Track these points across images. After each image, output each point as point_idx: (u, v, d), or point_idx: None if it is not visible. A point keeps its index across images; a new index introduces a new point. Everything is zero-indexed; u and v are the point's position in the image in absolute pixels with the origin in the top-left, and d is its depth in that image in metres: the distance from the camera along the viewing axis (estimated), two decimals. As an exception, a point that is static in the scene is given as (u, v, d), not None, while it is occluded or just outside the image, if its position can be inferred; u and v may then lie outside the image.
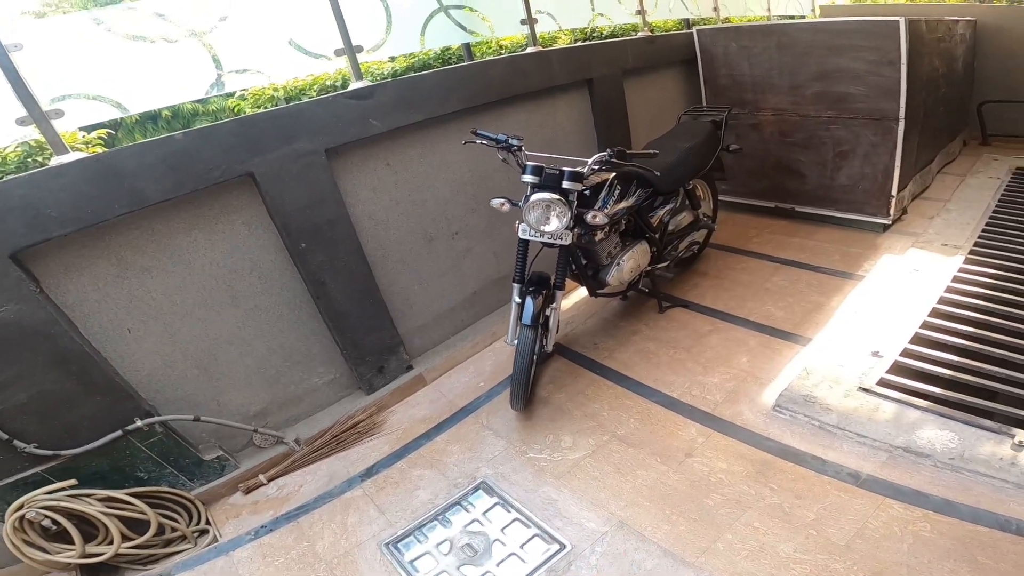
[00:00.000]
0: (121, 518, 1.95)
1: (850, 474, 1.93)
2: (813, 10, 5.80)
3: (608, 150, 2.28)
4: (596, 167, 2.29)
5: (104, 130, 2.64)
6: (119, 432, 2.04)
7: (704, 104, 3.92)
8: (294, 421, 2.64)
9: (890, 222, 3.54)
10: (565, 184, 2.21)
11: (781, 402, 2.31)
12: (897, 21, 2.93)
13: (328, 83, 2.97)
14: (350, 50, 2.41)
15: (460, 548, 1.94)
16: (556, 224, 2.22)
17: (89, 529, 1.90)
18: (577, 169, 2.24)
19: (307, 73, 3.05)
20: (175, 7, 2.05)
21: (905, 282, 3.02)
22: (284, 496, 2.31)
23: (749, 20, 5.17)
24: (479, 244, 3.12)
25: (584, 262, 2.67)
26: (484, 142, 2.36)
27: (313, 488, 2.33)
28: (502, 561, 1.87)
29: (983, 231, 3.44)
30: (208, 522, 2.22)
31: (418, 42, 2.67)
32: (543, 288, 2.38)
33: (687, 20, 4.35)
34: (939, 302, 2.81)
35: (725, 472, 2.05)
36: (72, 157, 1.86)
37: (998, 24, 5.23)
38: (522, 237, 2.32)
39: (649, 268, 2.94)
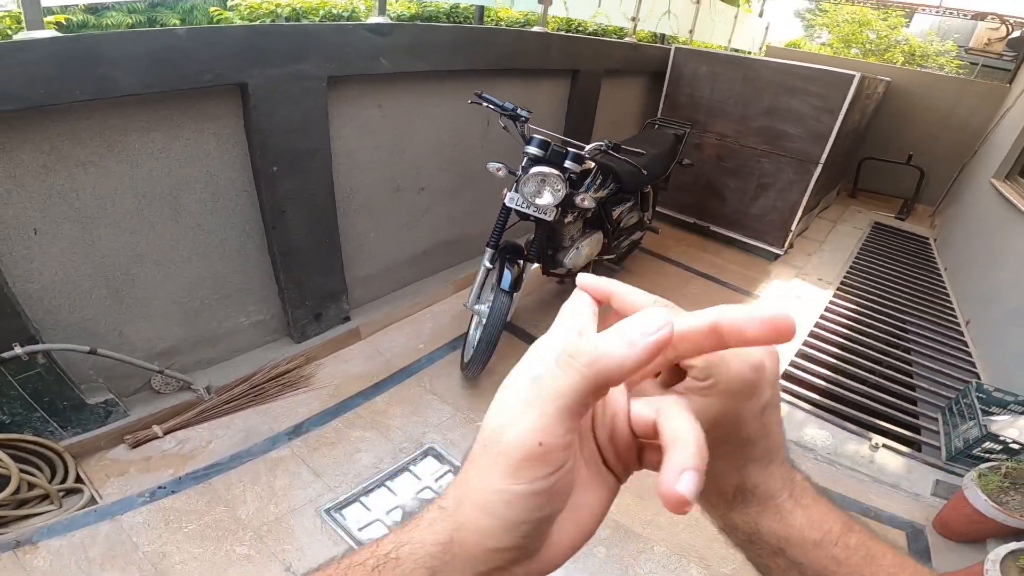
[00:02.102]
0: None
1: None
2: (761, 48, 6.36)
3: (605, 140, 2.35)
4: (594, 153, 2.34)
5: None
6: None
7: (657, 116, 4.13)
8: (206, 365, 2.29)
9: (782, 253, 4.08)
10: (567, 163, 2.22)
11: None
12: (852, 75, 3.34)
13: (335, 11, 2.61)
14: None
15: (411, 516, 1.88)
16: (549, 198, 2.22)
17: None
18: (581, 152, 2.26)
19: None
20: None
21: (790, 306, 3.53)
22: (187, 453, 1.99)
23: (708, 47, 5.52)
24: (440, 204, 2.98)
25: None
26: (490, 106, 2.29)
27: (226, 445, 2.04)
28: (458, 529, 1.85)
29: (848, 272, 4.15)
30: (80, 479, 1.82)
31: None
32: (516, 256, 2.37)
33: (663, 36, 4.51)
34: (815, 326, 3.35)
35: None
36: (45, 34, 1.48)
37: (906, 87, 6.22)
38: (508, 205, 2.30)
39: (597, 258, 3.06)
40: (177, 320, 2.12)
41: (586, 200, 2.39)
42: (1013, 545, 1.66)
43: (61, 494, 1.76)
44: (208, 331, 2.24)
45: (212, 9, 2.70)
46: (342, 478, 1.98)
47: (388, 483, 2.00)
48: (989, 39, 6.91)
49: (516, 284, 2.30)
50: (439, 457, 2.12)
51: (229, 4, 2.52)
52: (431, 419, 2.30)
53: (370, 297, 2.85)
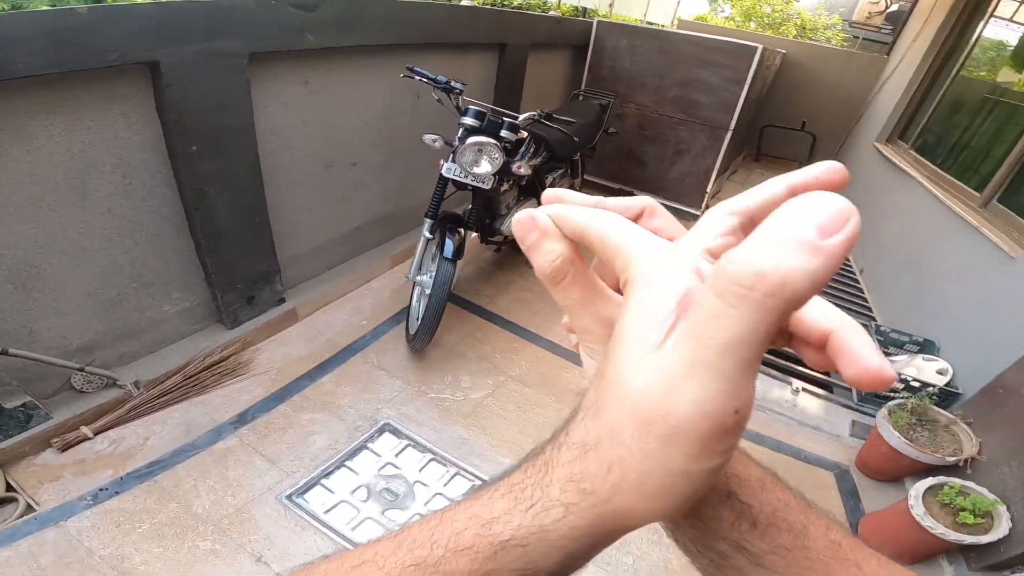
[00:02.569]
0: None
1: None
2: (673, 22, 6.59)
3: (538, 111, 2.42)
4: (527, 123, 2.38)
5: None
6: None
7: (583, 88, 4.23)
8: (130, 359, 2.13)
9: (700, 214, 4.35)
10: (503, 132, 2.25)
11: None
12: (756, 47, 3.58)
13: None
14: None
15: (379, 493, 1.87)
16: (486, 167, 2.25)
17: None
18: (515, 121, 2.29)
19: None
20: None
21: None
22: (124, 452, 1.86)
23: (626, 19, 5.64)
24: (374, 180, 2.91)
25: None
26: (423, 80, 2.28)
27: (166, 440, 1.93)
28: (428, 501, 1.87)
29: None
30: (11, 488, 1.68)
31: None
32: (456, 225, 2.38)
33: (584, 10, 4.56)
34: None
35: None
36: None
37: (798, 59, 6.70)
38: (445, 175, 2.31)
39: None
40: (93, 313, 1.95)
41: (522, 167, 2.44)
42: (930, 480, 1.86)
43: (-9, 505, 1.61)
44: (130, 323, 2.08)
45: None
46: (298, 463, 1.94)
47: (348, 463, 1.98)
48: (870, 13, 7.62)
49: (459, 252, 2.32)
50: (396, 432, 2.13)
51: None
52: (382, 395, 2.28)
53: (305, 277, 2.75)
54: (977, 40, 4.14)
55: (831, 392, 2.73)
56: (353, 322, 2.67)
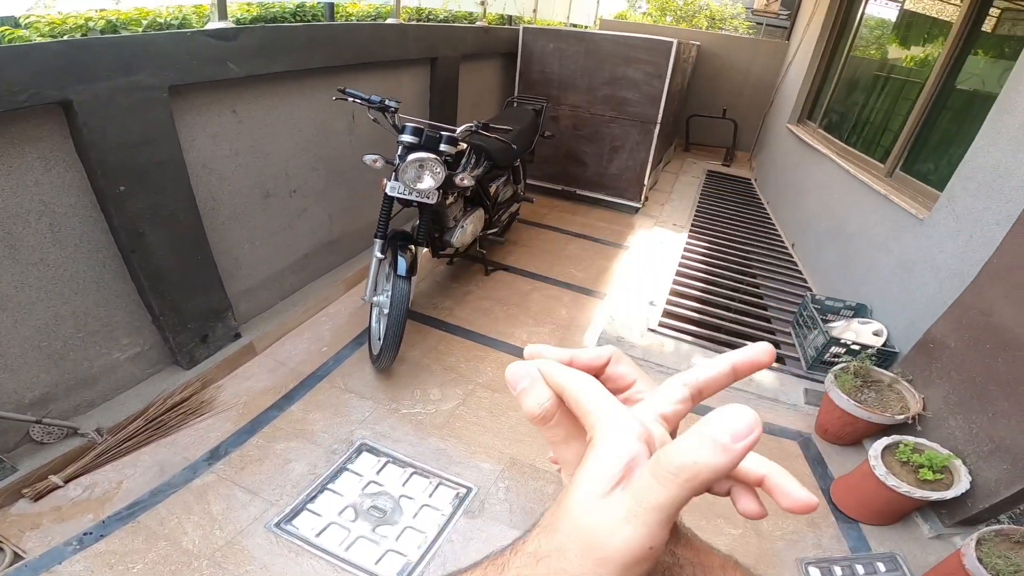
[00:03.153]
0: None
1: (662, 392, 2.60)
2: (595, 22, 6.85)
3: (475, 121, 2.50)
4: (465, 134, 2.46)
5: None
6: None
7: (516, 94, 4.37)
8: (87, 408, 2.07)
9: (640, 206, 4.59)
10: (442, 147, 2.32)
11: (601, 342, 2.89)
12: (671, 42, 3.81)
13: (161, 20, 2.34)
14: None
15: (367, 512, 1.89)
16: (430, 182, 2.31)
17: None
18: (454, 134, 2.37)
19: (175, 5, 2.45)
20: None
21: (656, 251, 4.01)
22: (100, 496, 1.83)
23: (550, 24, 5.82)
24: (315, 205, 2.90)
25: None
26: (357, 101, 2.31)
27: (141, 482, 1.90)
28: (416, 513, 1.90)
29: (695, 216, 4.78)
30: None
31: None
32: (406, 242, 2.43)
33: (510, 17, 4.70)
34: (679, 265, 3.85)
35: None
36: None
37: (713, 50, 7.10)
38: (390, 194, 2.36)
39: (482, 233, 3.22)
40: (41, 366, 1.89)
41: (465, 179, 2.52)
42: (885, 440, 1.98)
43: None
44: (80, 372, 2.01)
45: (2, 28, 2.35)
46: (280, 491, 1.94)
47: (330, 486, 1.99)
48: (768, 0, 8.20)
49: (412, 268, 2.36)
50: (373, 451, 2.16)
51: (24, 22, 2.21)
52: (354, 416, 2.31)
53: (258, 310, 2.72)
54: (861, 21, 4.57)
55: (783, 364, 2.89)
56: (314, 349, 2.67)
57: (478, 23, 4.16)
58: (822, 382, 2.63)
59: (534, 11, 5.14)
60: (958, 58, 3.01)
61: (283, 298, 2.86)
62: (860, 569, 1.81)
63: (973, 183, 2.43)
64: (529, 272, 3.54)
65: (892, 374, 2.35)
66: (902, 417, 2.13)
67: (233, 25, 2.20)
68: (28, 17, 2.27)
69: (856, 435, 2.30)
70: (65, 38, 1.73)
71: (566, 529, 0.28)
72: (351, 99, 2.31)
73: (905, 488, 1.81)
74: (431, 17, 3.98)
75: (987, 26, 2.92)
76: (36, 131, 1.72)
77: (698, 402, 0.32)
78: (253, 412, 2.27)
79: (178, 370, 2.32)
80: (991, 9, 2.88)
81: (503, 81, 4.68)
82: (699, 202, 5.14)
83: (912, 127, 3.20)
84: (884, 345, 2.62)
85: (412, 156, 2.24)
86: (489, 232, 3.30)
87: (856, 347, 2.59)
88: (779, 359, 2.95)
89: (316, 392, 2.42)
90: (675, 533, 0.35)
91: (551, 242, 3.99)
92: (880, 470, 1.85)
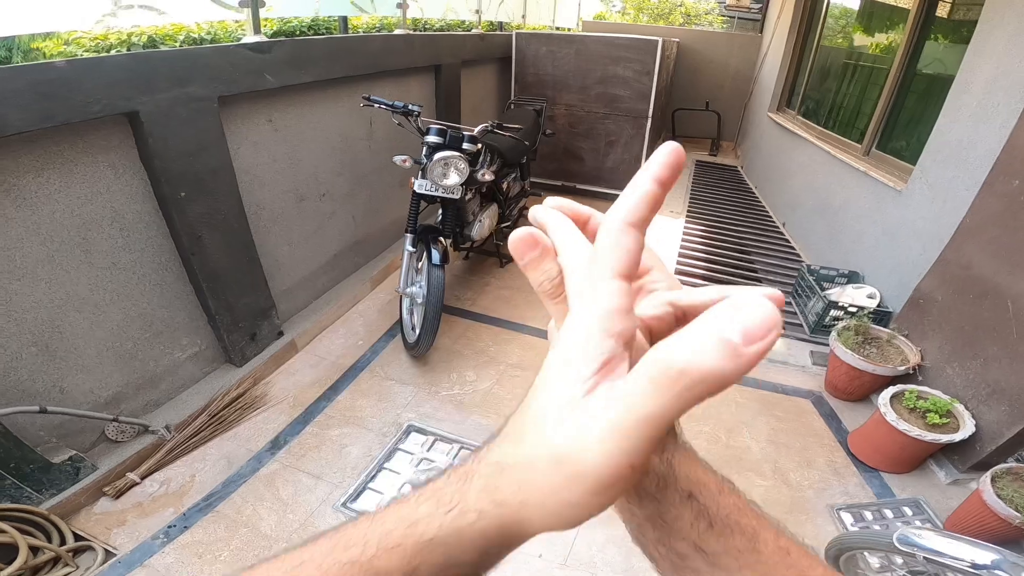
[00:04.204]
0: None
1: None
2: (578, 24, 7.13)
3: (491, 121, 2.71)
4: (483, 133, 2.67)
5: None
6: None
7: (513, 97, 4.60)
8: (154, 407, 2.23)
9: (638, 197, 4.83)
10: (465, 145, 2.53)
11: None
12: (656, 40, 4.08)
13: (195, 35, 2.51)
14: (253, 3, 2.22)
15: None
16: (455, 178, 2.52)
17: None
18: (474, 133, 2.57)
19: (210, 20, 2.61)
20: None
21: (657, 236, 4.26)
22: (176, 491, 1.98)
23: (536, 28, 6.05)
24: (342, 207, 3.09)
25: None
26: (381, 106, 2.49)
27: (212, 475, 2.06)
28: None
29: (689, 203, 5.05)
30: (80, 538, 1.77)
31: (313, 7, 2.56)
32: (436, 235, 2.62)
33: (500, 24, 4.93)
34: (681, 248, 4.10)
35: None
36: None
37: (693, 46, 7.42)
38: (418, 191, 2.54)
39: (497, 227, 3.43)
40: (114, 366, 2.05)
41: (486, 174, 2.74)
42: (892, 390, 2.17)
43: (71, 554, 1.69)
44: (147, 372, 2.17)
45: (37, 44, 2.48)
46: (341, 474, 2.11)
47: (386, 465, 2.17)
48: (740, -5, 8.61)
49: (445, 258, 2.55)
50: (421, 431, 2.34)
51: (69, 39, 2.36)
52: (398, 401, 2.49)
53: (296, 309, 2.90)
54: (826, 12, 4.89)
55: (788, 329, 3.13)
56: (350, 343, 2.85)
57: (474, 31, 4.38)
58: (825, 344, 2.89)
59: (523, 16, 5.38)
60: (917, 44, 3.32)
61: (316, 297, 3.03)
62: (888, 513, 2.01)
63: (941, 155, 2.72)
64: (541, 263, 3.75)
65: (889, 330, 2.60)
66: (904, 368, 2.36)
67: (267, 39, 2.37)
68: (73, 34, 2.41)
69: (864, 389, 2.53)
70: (130, 52, 1.88)
71: (534, 439, 0.25)
72: (377, 105, 2.49)
73: (916, 432, 2.00)
74: (427, 27, 4.19)
75: (941, 11, 3.22)
76: (106, 141, 1.88)
77: (644, 230, 0.27)
78: (304, 404, 2.44)
79: (231, 368, 2.49)
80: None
81: (499, 84, 4.91)
82: (692, 190, 5.43)
83: (883, 109, 3.50)
84: (879, 306, 2.88)
85: (439, 155, 2.44)
86: (503, 225, 3.50)
87: (853, 309, 2.84)
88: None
89: (359, 382, 2.60)
90: (673, 440, 0.33)
91: (557, 234, 4.21)
92: (891, 416, 2.06)
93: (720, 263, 3.96)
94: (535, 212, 0.33)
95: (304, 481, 2.07)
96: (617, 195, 0.28)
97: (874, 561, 1.65)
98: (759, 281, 3.76)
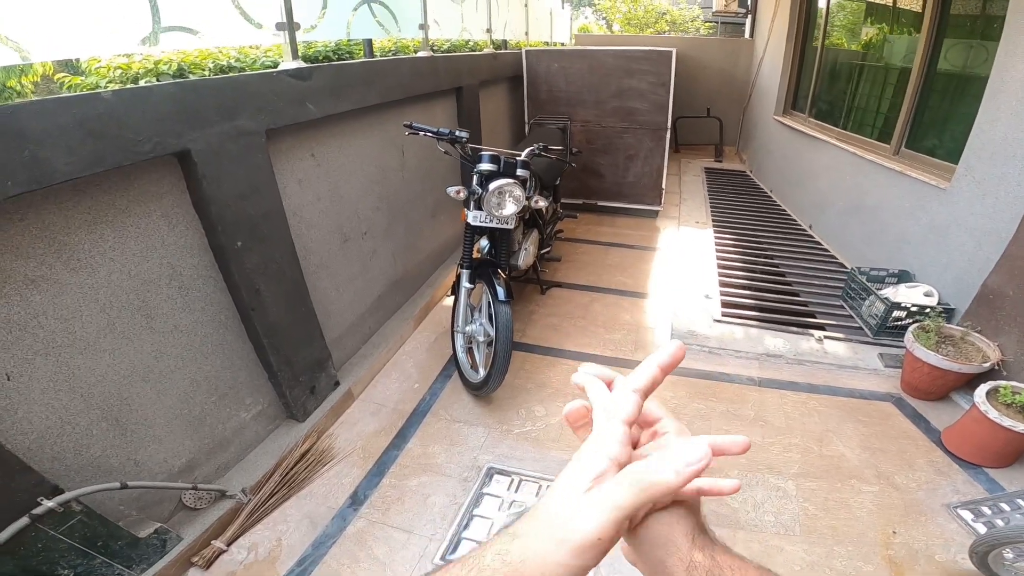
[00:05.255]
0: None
1: (749, 379, 2.79)
2: (571, 39, 7.24)
3: (537, 144, 2.68)
4: (531, 157, 2.65)
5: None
6: (26, 520, 1.41)
7: (527, 115, 4.62)
8: (225, 470, 2.13)
9: (660, 209, 4.87)
10: (519, 172, 2.48)
11: (674, 338, 3.08)
12: (671, 51, 4.14)
13: (222, 63, 2.40)
14: (290, 25, 2.13)
15: (519, 527, 2.03)
16: (512, 208, 2.45)
17: None
18: (525, 158, 2.55)
19: (241, 44, 2.47)
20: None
21: (690, 248, 4.27)
22: (266, 557, 1.89)
23: (535, 44, 6.14)
24: (382, 245, 3.03)
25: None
26: (427, 134, 2.42)
27: (299, 537, 1.97)
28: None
29: (711, 211, 5.09)
30: None
31: (344, 31, 2.51)
32: (494, 268, 2.53)
33: (504, 42, 4.97)
34: (717, 258, 4.11)
35: (674, 398, 2.66)
36: None
37: (688, 53, 7.56)
38: (472, 223, 2.49)
39: (539, 253, 3.41)
40: (184, 433, 1.96)
41: (539, 200, 2.71)
42: (985, 387, 2.18)
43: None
44: (216, 435, 2.09)
45: (59, 76, 2.35)
46: (432, 526, 2.04)
47: (475, 511, 2.10)
48: (727, 1, 8.82)
49: (510, 292, 2.47)
50: (503, 472, 2.27)
51: (93, 67, 2.23)
52: (471, 443, 2.42)
53: (347, 356, 2.82)
54: (828, 14, 5.02)
55: (848, 333, 3.11)
56: (406, 387, 2.78)
57: (486, 50, 4.40)
58: (892, 346, 2.90)
59: (526, 34, 5.44)
60: (935, 43, 3.40)
61: (364, 341, 2.96)
62: (1005, 507, 2.01)
63: (987, 153, 2.77)
64: (581, 285, 3.73)
65: (962, 328, 2.61)
66: (988, 364, 2.38)
67: (307, 64, 2.28)
68: (97, 61, 2.24)
69: (945, 388, 2.53)
70: (177, 80, 1.77)
71: (541, 515, 0.37)
72: (422, 133, 2.41)
73: (1022, 427, 2.02)
74: (436, 49, 4.21)
75: (956, 9, 3.32)
76: (157, 186, 1.75)
77: (646, 396, 0.44)
78: (374, 454, 2.36)
79: (294, 424, 2.41)
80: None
81: (511, 103, 4.93)
82: (709, 197, 5.49)
83: (908, 109, 3.57)
84: (938, 303, 2.90)
85: (495, 184, 2.36)
86: (543, 251, 3.49)
87: (915, 308, 2.86)
88: (827, 329, 3.18)
89: (426, 427, 2.53)
90: (711, 541, 0.43)
91: (589, 254, 4.20)
92: (993, 414, 2.07)
93: (757, 270, 3.97)
94: (578, 378, 0.48)
95: (396, 537, 2.00)
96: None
97: (1008, 554, 1.65)
98: (796, 294, 3.77)
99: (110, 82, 2.25)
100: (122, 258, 1.69)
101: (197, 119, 1.75)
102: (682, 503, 0.43)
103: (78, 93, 1.48)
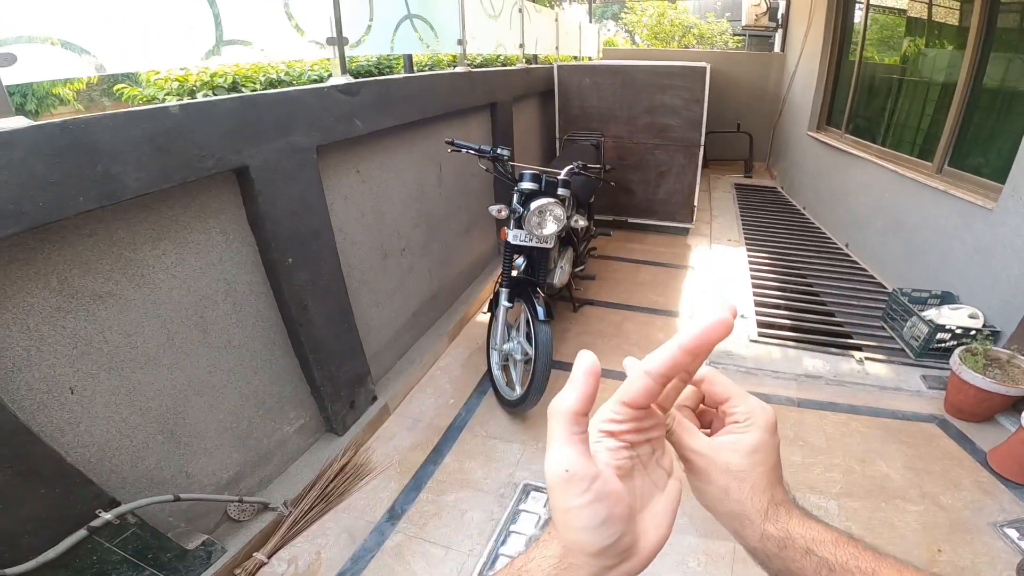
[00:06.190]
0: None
1: (788, 399, 2.80)
2: (599, 52, 7.36)
3: (577, 163, 2.72)
4: (570, 175, 2.71)
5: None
6: (84, 532, 1.49)
7: (558, 130, 4.71)
8: (267, 482, 2.21)
9: (691, 226, 4.90)
10: (560, 191, 2.53)
11: (711, 359, 3.10)
12: (704, 67, 4.19)
13: (272, 76, 2.51)
14: (340, 40, 2.23)
15: (557, 544, 2.07)
16: (553, 227, 2.48)
17: None
18: (565, 176, 2.60)
19: (295, 58, 2.54)
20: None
21: (723, 267, 4.28)
22: (306, 571, 1.95)
23: (565, 59, 6.27)
24: (419, 261, 3.11)
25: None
26: (469, 151, 2.48)
27: (337, 551, 2.03)
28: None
29: (743, 229, 5.10)
30: None
31: (388, 46, 2.61)
32: (533, 287, 2.58)
33: (535, 56, 5.09)
34: (751, 278, 4.12)
35: (712, 420, 2.69)
36: (20, 122, 1.26)
37: (717, 67, 7.61)
38: (513, 243, 2.52)
39: (573, 272, 3.46)
40: (232, 446, 2.04)
41: (580, 220, 2.77)
42: None
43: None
44: (261, 449, 2.17)
45: (118, 87, 2.46)
46: (470, 541, 2.08)
47: (512, 528, 2.14)
48: (756, 16, 8.88)
49: (550, 312, 2.51)
50: (540, 489, 2.31)
51: (152, 78, 2.33)
52: (507, 459, 2.47)
53: (384, 371, 2.89)
54: (865, 27, 5.02)
55: (889, 354, 3.09)
56: (441, 403, 2.84)
57: (518, 65, 4.48)
58: (934, 368, 2.88)
59: (556, 48, 5.54)
60: (981, 60, 3.38)
61: (400, 356, 3.04)
62: None
63: (1035, 173, 2.75)
64: (613, 303, 3.77)
65: (1008, 351, 2.59)
66: (1036, 388, 2.37)
67: (355, 80, 2.33)
68: (156, 73, 2.33)
69: (991, 410, 2.53)
70: (238, 94, 1.80)
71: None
72: (463, 150, 2.46)
73: None
74: (469, 63, 4.32)
75: (1004, 23, 3.31)
76: (217, 202, 1.82)
77: (667, 381, 0.40)
78: (411, 469, 2.42)
79: (333, 437, 2.48)
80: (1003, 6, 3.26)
81: (542, 118, 5.00)
82: (741, 215, 5.49)
83: (952, 127, 3.55)
84: (984, 325, 2.88)
85: (536, 203, 2.39)
86: (577, 269, 3.54)
87: (959, 330, 2.84)
88: (864, 350, 3.16)
89: (462, 443, 2.58)
90: (787, 511, 0.43)
91: (620, 271, 4.24)
92: (1043, 435, 2.08)
93: (792, 290, 3.97)
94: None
95: (434, 552, 2.04)
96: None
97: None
98: (832, 314, 3.75)
99: (168, 94, 2.36)
100: (183, 274, 1.77)
101: (255, 135, 1.82)
102: (751, 481, 0.43)
103: (147, 107, 1.54)
